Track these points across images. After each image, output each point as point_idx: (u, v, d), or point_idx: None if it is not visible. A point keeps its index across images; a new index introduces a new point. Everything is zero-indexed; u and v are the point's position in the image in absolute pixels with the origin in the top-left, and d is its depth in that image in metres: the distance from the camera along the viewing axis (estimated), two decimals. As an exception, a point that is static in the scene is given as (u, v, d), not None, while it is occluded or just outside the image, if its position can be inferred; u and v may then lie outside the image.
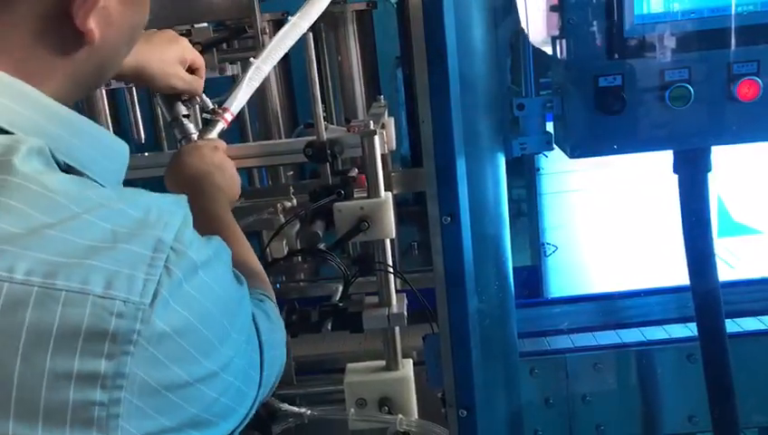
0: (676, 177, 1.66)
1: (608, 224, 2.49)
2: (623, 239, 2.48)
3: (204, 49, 2.03)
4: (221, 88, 2.05)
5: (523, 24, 1.62)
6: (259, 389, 0.99)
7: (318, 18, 2.20)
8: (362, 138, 1.82)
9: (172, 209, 0.78)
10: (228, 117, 1.83)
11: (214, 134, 1.76)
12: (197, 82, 1.69)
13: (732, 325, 2.36)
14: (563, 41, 1.53)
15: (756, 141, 1.55)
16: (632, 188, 2.43)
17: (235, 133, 2.87)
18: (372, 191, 1.84)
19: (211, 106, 1.74)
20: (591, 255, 2.50)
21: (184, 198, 0.84)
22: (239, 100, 1.83)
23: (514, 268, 2.57)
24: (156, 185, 2.62)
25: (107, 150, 0.89)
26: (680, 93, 1.46)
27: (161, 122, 2.55)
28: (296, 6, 2.83)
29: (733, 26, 1.46)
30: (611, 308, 2.32)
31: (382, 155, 1.90)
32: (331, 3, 1.99)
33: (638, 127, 1.50)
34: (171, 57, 1.61)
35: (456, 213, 1.39)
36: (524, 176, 2.50)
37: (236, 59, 2.22)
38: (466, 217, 1.41)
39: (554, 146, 1.61)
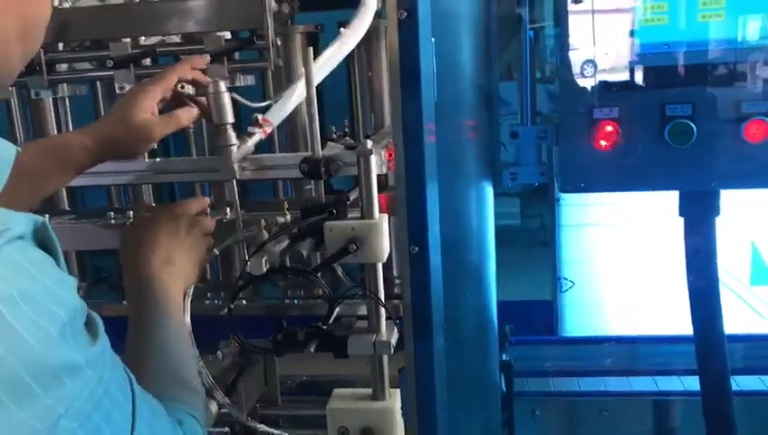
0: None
1: (630, 261, 2.35)
2: (646, 279, 2.33)
3: (214, 58, 2.02)
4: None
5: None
6: None
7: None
8: (358, 157, 1.77)
9: None
10: (268, 129, 1.88)
11: (250, 144, 1.84)
12: (179, 116, 1.70)
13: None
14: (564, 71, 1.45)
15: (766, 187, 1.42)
16: (659, 225, 2.29)
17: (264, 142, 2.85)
18: (366, 212, 1.77)
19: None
20: (610, 293, 2.37)
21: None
22: (283, 111, 1.90)
23: (530, 302, 2.46)
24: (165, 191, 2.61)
25: None
26: (681, 130, 1.35)
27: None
28: (329, 19, 2.82)
29: (745, 62, 1.34)
30: (625, 353, 2.19)
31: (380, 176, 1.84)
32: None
33: (635, 164, 1.39)
34: (134, 110, 1.61)
35: (425, 243, 1.32)
36: (544, 206, 2.39)
37: (249, 69, 2.19)
38: (437, 248, 1.33)
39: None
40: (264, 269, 1.67)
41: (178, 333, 1.37)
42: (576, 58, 1.47)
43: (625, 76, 1.42)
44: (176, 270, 1.51)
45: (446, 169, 1.36)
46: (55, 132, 2.59)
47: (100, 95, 2.77)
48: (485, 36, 1.42)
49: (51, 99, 2.49)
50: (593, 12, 1.47)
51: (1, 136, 2.78)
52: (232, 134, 1.83)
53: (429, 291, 1.34)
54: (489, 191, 1.47)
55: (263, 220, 1.75)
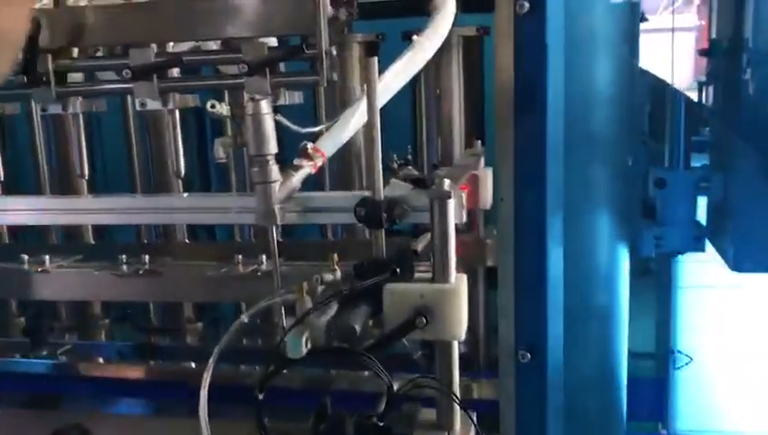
0: None
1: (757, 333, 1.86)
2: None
3: (253, 69, 1.63)
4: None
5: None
6: None
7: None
8: (432, 201, 1.35)
9: None
10: (319, 161, 1.50)
11: (296, 181, 1.48)
12: None
13: None
14: (737, 92, 1.01)
15: None
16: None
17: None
18: (439, 274, 1.35)
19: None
20: (737, 374, 1.89)
21: None
22: (339, 139, 1.56)
23: (635, 378, 1.98)
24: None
25: None
26: None
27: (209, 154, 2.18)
28: (391, 29, 2.42)
29: None
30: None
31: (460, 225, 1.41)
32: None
33: None
34: None
35: (541, 347, 0.89)
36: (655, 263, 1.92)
37: (297, 84, 1.79)
38: (557, 355, 0.90)
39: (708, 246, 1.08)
40: (305, 351, 1.26)
41: None
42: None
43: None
44: None
45: (570, 231, 0.93)
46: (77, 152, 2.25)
47: (130, 114, 2.42)
48: (629, 51, 0.99)
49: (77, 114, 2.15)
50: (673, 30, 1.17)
51: (24, 153, 2.37)
52: (274, 168, 1.45)
53: (545, 424, 0.90)
54: (624, 263, 1.04)
55: (304, 284, 1.33)
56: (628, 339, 2.08)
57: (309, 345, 1.28)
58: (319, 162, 1.48)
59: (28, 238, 2.57)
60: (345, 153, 2.41)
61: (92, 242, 2.39)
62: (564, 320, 0.99)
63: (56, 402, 2.30)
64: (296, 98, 1.85)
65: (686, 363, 1.88)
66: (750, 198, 0.97)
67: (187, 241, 2.32)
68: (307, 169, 1.47)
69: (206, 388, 1.34)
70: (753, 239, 0.98)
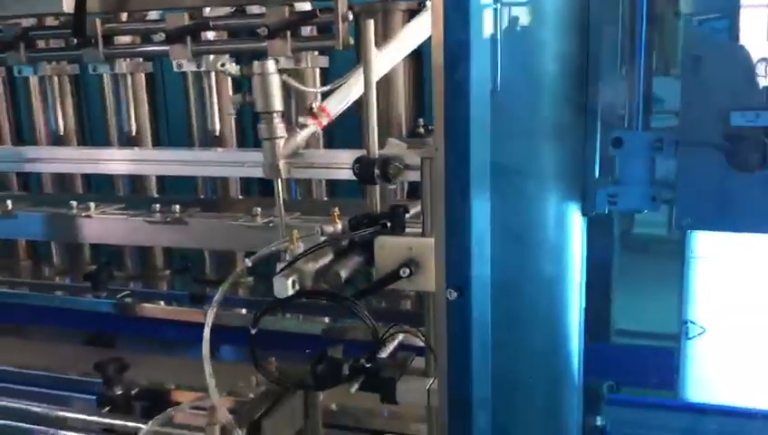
0: None
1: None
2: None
3: (273, 33, 1.73)
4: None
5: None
6: None
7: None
8: (422, 159, 1.41)
9: None
10: (324, 120, 1.61)
11: (300, 139, 1.59)
12: None
13: None
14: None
15: None
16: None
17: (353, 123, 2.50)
18: (428, 229, 1.42)
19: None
20: (753, 347, 1.86)
21: None
22: (346, 99, 1.65)
23: (647, 348, 1.99)
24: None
25: None
26: None
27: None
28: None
29: None
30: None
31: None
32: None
33: (790, 195, 0.95)
34: None
35: (466, 287, 0.95)
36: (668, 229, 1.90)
37: (318, 48, 1.88)
38: (484, 295, 0.96)
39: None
40: (291, 291, 1.36)
41: None
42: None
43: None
44: None
45: (511, 184, 0.99)
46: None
47: (189, 78, 2.49)
48: (582, 5, 1.03)
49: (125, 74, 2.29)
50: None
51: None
52: (279, 125, 1.56)
53: (469, 352, 0.97)
54: (574, 216, 1.08)
55: (295, 231, 1.43)
56: (651, 315, 2.09)
57: (297, 287, 1.38)
58: (324, 121, 1.58)
59: (101, 188, 2.78)
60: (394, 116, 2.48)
61: (155, 195, 2.57)
62: (510, 287, 1.04)
63: (110, 341, 2.52)
64: (320, 61, 1.95)
65: (699, 334, 1.86)
66: (692, 157, 0.99)
67: (240, 196, 2.44)
68: (312, 127, 1.56)
69: (210, 325, 1.46)
70: (696, 198, 1.00)
